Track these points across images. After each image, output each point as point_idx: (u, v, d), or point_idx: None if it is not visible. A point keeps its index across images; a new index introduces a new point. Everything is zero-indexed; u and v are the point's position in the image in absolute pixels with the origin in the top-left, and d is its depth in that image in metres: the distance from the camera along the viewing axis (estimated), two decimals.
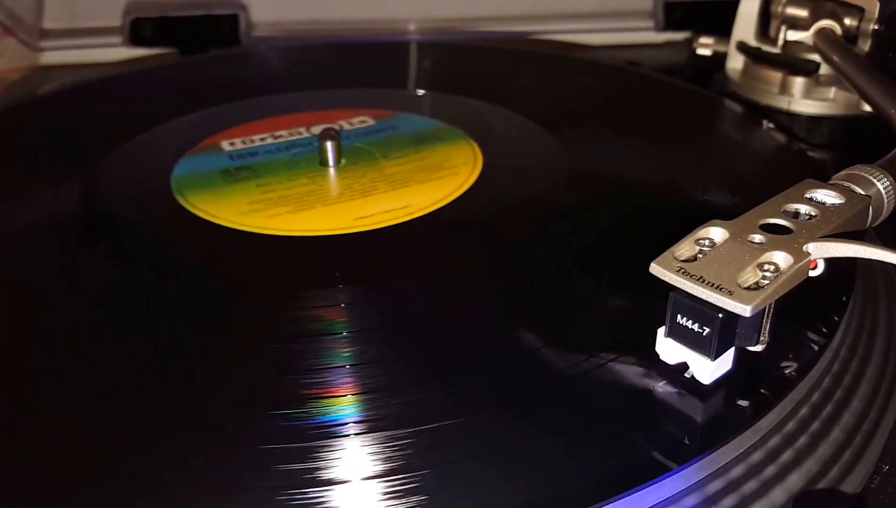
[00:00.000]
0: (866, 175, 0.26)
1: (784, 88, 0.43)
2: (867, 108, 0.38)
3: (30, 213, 0.33)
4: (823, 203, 0.25)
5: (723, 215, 0.24)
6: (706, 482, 0.21)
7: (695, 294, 0.21)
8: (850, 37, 0.41)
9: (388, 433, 0.21)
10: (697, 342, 0.21)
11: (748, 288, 0.21)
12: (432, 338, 0.25)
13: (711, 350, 0.21)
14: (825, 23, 0.41)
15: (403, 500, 0.19)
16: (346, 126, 0.41)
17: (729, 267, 0.21)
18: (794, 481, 0.23)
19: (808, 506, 0.22)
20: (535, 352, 0.24)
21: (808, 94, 0.43)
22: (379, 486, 0.20)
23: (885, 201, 0.26)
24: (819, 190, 0.25)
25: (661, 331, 0.22)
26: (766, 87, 0.44)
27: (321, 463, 0.20)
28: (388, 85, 0.48)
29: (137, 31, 0.56)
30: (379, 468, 0.20)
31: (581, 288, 0.28)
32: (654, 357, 0.23)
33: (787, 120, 0.43)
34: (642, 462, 0.20)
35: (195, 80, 0.49)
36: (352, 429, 0.21)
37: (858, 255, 0.22)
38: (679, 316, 0.21)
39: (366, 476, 0.20)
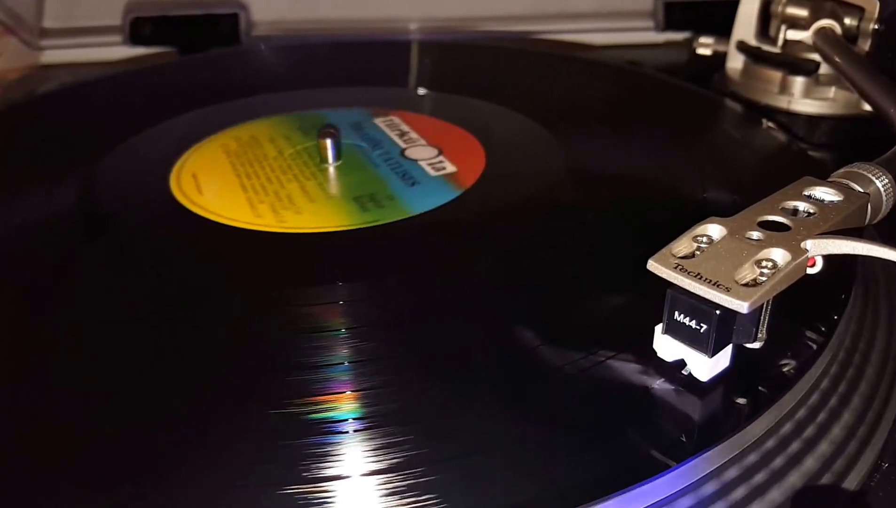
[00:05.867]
0: (865, 173, 0.26)
1: (784, 88, 0.43)
2: (867, 107, 0.38)
3: (29, 212, 0.33)
4: (822, 201, 0.24)
5: (723, 214, 0.24)
6: (704, 480, 0.21)
7: (692, 291, 0.21)
8: (850, 36, 0.41)
9: (387, 429, 0.21)
10: (695, 338, 0.21)
11: (746, 285, 0.21)
12: (431, 336, 0.25)
13: (709, 347, 0.21)
14: (825, 22, 0.41)
15: (402, 496, 0.19)
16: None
17: (727, 264, 0.21)
18: (794, 479, 0.23)
19: (807, 504, 0.22)
20: (532, 350, 0.24)
21: (807, 93, 0.43)
22: (378, 482, 0.20)
23: (884, 198, 0.26)
24: (818, 188, 0.25)
25: (658, 328, 0.22)
26: (765, 86, 0.44)
27: (321, 460, 0.20)
28: (388, 84, 0.48)
29: (137, 31, 0.56)
30: (378, 465, 0.20)
31: (579, 285, 0.28)
32: (652, 355, 0.23)
33: (786, 119, 0.42)
34: (640, 459, 0.20)
35: (195, 79, 0.49)
36: (351, 426, 0.21)
37: (856, 252, 0.22)
38: (676, 313, 0.21)
39: (365, 472, 0.20)
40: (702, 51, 0.49)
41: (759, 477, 0.22)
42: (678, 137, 0.39)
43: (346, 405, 0.22)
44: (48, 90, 0.51)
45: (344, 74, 0.49)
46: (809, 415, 0.24)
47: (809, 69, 0.42)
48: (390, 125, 0.41)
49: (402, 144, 0.38)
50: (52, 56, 0.56)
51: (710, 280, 0.21)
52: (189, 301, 0.27)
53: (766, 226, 0.23)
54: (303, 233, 0.31)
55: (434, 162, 0.36)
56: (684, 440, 0.21)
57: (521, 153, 0.38)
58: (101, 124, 0.42)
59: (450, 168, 0.36)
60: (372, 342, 0.25)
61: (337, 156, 0.37)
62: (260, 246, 0.31)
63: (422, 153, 0.38)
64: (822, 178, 0.26)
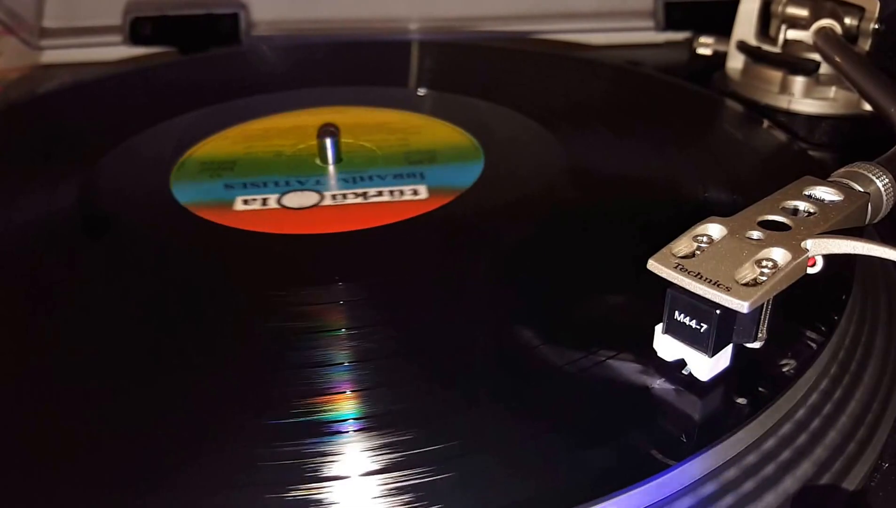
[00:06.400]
0: (865, 173, 0.26)
1: (784, 88, 0.43)
2: (867, 107, 0.38)
3: (29, 212, 0.33)
4: (822, 200, 0.24)
5: (723, 213, 0.24)
6: (704, 479, 0.21)
7: (692, 290, 0.21)
8: (851, 36, 0.41)
9: (387, 429, 0.21)
10: (695, 338, 0.21)
11: (746, 284, 0.21)
12: (431, 336, 0.25)
13: (709, 347, 0.21)
14: (825, 22, 0.41)
15: (402, 496, 0.19)
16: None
17: (727, 263, 0.21)
18: (795, 478, 0.23)
19: (808, 503, 0.22)
20: (532, 349, 0.24)
21: (808, 93, 0.43)
22: (378, 482, 0.20)
23: (884, 198, 0.25)
24: (818, 187, 0.25)
25: (658, 328, 0.22)
26: (766, 86, 0.44)
27: (321, 460, 0.20)
28: (388, 83, 0.48)
29: (137, 30, 0.56)
30: (378, 465, 0.20)
31: (579, 285, 0.28)
32: (652, 355, 0.23)
33: (787, 119, 0.42)
34: (639, 459, 0.20)
35: (195, 79, 0.49)
36: (350, 426, 0.21)
37: (857, 251, 0.22)
38: (677, 313, 0.21)
39: (365, 472, 0.20)
40: (702, 51, 0.49)
41: (759, 477, 0.22)
42: (678, 137, 0.39)
43: (346, 405, 0.22)
44: (48, 90, 0.51)
45: (344, 74, 0.49)
46: (809, 415, 0.24)
47: (809, 69, 0.42)
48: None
49: (374, 193, 0.34)
50: (52, 56, 0.56)
51: (711, 280, 0.21)
52: (189, 301, 0.27)
53: (767, 225, 0.23)
54: (299, 234, 0.31)
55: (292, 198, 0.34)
56: (684, 439, 0.21)
57: (520, 153, 0.38)
58: (101, 124, 0.42)
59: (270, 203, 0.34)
60: (371, 342, 0.25)
61: (337, 157, 0.37)
62: (260, 246, 0.31)
63: (301, 199, 0.34)
64: (822, 178, 0.26)
